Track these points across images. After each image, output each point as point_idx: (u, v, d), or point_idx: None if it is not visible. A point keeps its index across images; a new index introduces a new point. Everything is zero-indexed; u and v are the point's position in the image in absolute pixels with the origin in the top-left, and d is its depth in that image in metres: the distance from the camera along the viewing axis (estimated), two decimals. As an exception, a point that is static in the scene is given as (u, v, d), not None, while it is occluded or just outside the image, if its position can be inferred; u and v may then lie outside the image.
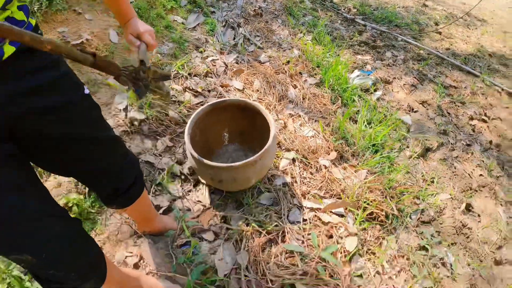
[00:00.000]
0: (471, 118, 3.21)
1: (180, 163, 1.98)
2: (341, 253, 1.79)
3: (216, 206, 1.85)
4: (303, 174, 2.08)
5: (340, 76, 2.89)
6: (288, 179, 2.02)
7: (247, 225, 1.75)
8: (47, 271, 0.93)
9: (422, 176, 2.46)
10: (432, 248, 2.02)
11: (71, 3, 2.52)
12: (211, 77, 2.60)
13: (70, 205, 1.69)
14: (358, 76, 3.13)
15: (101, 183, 1.15)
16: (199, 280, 1.54)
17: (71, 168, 1.03)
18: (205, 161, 1.57)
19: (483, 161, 2.79)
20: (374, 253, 1.89)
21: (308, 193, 1.99)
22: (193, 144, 1.68)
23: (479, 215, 2.37)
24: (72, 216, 1.07)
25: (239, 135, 2.09)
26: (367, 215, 2.00)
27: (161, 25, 2.71)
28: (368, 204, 2.01)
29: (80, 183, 1.77)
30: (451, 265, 2.01)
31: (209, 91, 2.45)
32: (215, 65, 2.70)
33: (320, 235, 1.81)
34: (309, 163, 2.14)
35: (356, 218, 1.95)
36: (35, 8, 2.23)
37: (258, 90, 2.50)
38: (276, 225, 1.78)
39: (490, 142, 3.01)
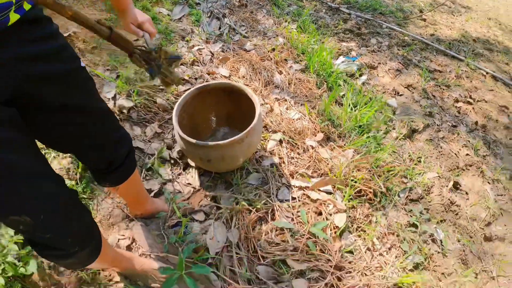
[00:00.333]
0: (456, 101, 3.30)
1: (169, 148, 2.04)
2: (330, 229, 1.86)
3: (205, 187, 1.91)
4: (290, 154, 2.15)
5: (325, 62, 2.96)
6: (276, 159, 2.08)
7: (237, 203, 1.80)
8: (45, 235, 0.95)
9: (409, 156, 2.54)
10: (422, 225, 2.09)
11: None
12: (198, 66, 2.66)
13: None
14: (343, 62, 3.21)
15: (96, 156, 1.19)
16: (190, 258, 1.60)
17: (68, 140, 1.07)
18: (194, 140, 1.62)
19: (469, 141, 2.88)
20: (364, 231, 1.96)
21: (296, 173, 2.06)
22: (181, 128, 1.73)
23: (467, 193, 2.46)
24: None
25: (226, 120, 2.14)
26: (355, 192, 2.07)
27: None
28: (355, 182, 2.07)
29: (71, 170, 1.82)
30: (441, 241, 2.08)
31: (195, 78, 2.51)
32: (201, 54, 2.76)
33: (309, 212, 1.88)
34: (296, 144, 2.21)
35: (344, 196, 2.01)
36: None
37: (244, 77, 2.56)
38: (265, 203, 1.84)
39: (476, 123, 3.10)
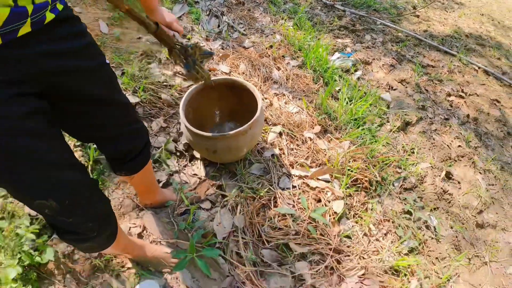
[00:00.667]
0: (449, 95, 3.46)
1: (175, 141, 2.17)
2: (329, 215, 2.01)
3: (211, 177, 2.05)
4: (290, 146, 2.30)
5: (321, 58, 3.11)
6: (277, 151, 2.23)
7: (241, 191, 1.95)
8: (68, 218, 1.05)
9: (403, 147, 2.69)
10: (416, 212, 2.24)
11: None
12: (199, 63, 2.80)
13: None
14: (338, 58, 3.36)
15: (115, 146, 1.31)
16: (199, 243, 1.74)
17: (92, 130, 1.19)
18: (200, 132, 1.76)
19: (461, 133, 3.03)
20: (361, 217, 2.10)
21: (295, 163, 2.21)
22: (187, 121, 1.86)
23: (459, 182, 2.60)
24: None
25: (229, 114, 2.28)
26: (351, 181, 2.21)
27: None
28: (352, 171, 2.22)
29: (82, 162, 1.94)
30: (434, 228, 2.22)
31: (197, 75, 2.65)
32: (202, 52, 2.90)
33: (309, 199, 2.02)
34: (295, 136, 2.36)
35: (341, 184, 2.16)
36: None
37: (244, 73, 2.70)
38: (268, 191, 1.98)
39: (468, 116, 3.26)
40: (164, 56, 2.63)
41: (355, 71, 3.31)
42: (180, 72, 2.55)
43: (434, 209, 2.36)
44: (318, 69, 3.08)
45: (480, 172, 2.73)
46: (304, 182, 2.11)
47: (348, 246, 1.94)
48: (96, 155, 1.97)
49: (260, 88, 2.66)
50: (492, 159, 2.85)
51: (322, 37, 3.66)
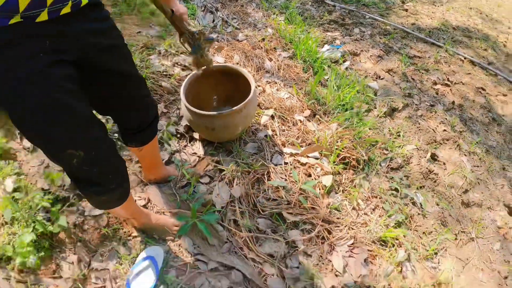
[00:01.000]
0: (435, 83, 3.68)
1: (175, 124, 2.39)
2: (319, 188, 2.23)
3: (209, 155, 2.28)
4: (281, 127, 2.53)
5: (311, 50, 3.35)
6: (269, 132, 2.46)
7: (238, 166, 2.17)
8: (92, 168, 1.25)
9: (389, 130, 2.91)
10: (402, 189, 2.44)
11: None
12: (195, 54, 3.04)
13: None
14: (328, 50, 3.60)
15: (130, 117, 1.53)
16: (200, 212, 1.95)
17: (112, 100, 1.40)
18: (200, 111, 1.99)
19: (446, 118, 3.24)
20: (350, 193, 2.31)
21: (287, 142, 2.44)
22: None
23: (444, 164, 2.80)
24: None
25: (226, 100, 2.50)
26: (339, 159, 2.43)
27: (146, 11, 3.13)
28: (340, 150, 2.44)
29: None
30: (420, 204, 2.42)
31: (195, 65, 2.89)
32: (198, 44, 3.14)
33: (300, 173, 2.25)
34: (286, 118, 2.59)
35: (330, 161, 2.38)
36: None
37: (238, 63, 2.94)
38: (262, 165, 2.21)
39: (453, 102, 3.48)
40: (163, 48, 2.87)
41: (344, 61, 3.55)
42: (179, 63, 2.78)
43: (420, 187, 2.56)
44: (308, 60, 3.32)
45: (465, 155, 2.93)
46: (295, 159, 2.34)
47: (337, 218, 2.16)
48: (109, 129, 2.18)
49: (254, 77, 2.90)
50: (477, 142, 3.06)
51: (312, 30, 3.90)
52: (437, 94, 3.56)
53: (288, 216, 2.04)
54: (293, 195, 2.13)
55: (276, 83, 2.88)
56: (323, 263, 1.95)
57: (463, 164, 2.84)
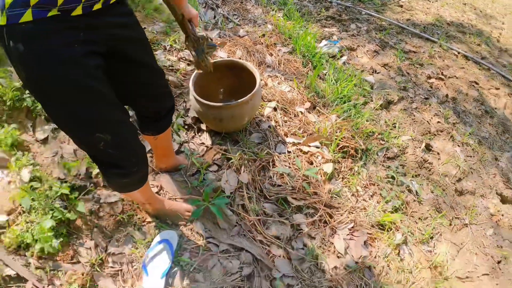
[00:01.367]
0: (429, 77, 3.88)
1: (183, 116, 2.56)
2: (321, 175, 2.41)
3: (217, 145, 2.44)
4: (284, 119, 2.71)
5: (310, 45, 3.53)
6: (272, 123, 2.64)
7: (244, 154, 2.35)
8: (116, 151, 1.36)
9: (385, 122, 3.10)
10: (398, 177, 2.63)
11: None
12: (199, 50, 3.21)
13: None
14: (325, 45, 3.78)
15: (149, 106, 1.68)
16: (210, 197, 2.11)
17: (134, 88, 1.54)
18: (208, 102, 2.16)
19: (440, 111, 3.43)
20: (349, 181, 2.50)
21: (289, 133, 2.62)
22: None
23: (438, 154, 2.99)
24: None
25: (231, 94, 2.65)
26: (339, 148, 2.61)
27: (150, 8, 3.29)
28: (339, 140, 2.62)
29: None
30: (416, 192, 2.61)
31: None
32: (201, 40, 3.32)
33: (302, 161, 2.43)
34: (288, 110, 2.78)
35: (330, 150, 2.56)
36: None
37: (240, 58, 3.10)
38: (267, 154, 2.39)
39: (447, 95, 3.67)
40: (168, 44, 3.02)
41: (341, 56, 3.74)
42: (184, 58, 2.94)
43: (416, 175, 2.75)
44: (307, 55, 3.50)
45: (458, 145, 3.13)
46: (297, 148, 2.52)
47: (338, 203, 2.34)
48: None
49: (256, 71, 3.07)
50: (470, 133, 3.26)
51: (310, 26, 4.08)
52: (431, 87, 3.75)
53: (292, 200, 2.21)
54: (297, 181, 2.30)
55: (277, 77, 3.06)
56: (325, 245, 2.12)
57: (457, 154, 3.03)
